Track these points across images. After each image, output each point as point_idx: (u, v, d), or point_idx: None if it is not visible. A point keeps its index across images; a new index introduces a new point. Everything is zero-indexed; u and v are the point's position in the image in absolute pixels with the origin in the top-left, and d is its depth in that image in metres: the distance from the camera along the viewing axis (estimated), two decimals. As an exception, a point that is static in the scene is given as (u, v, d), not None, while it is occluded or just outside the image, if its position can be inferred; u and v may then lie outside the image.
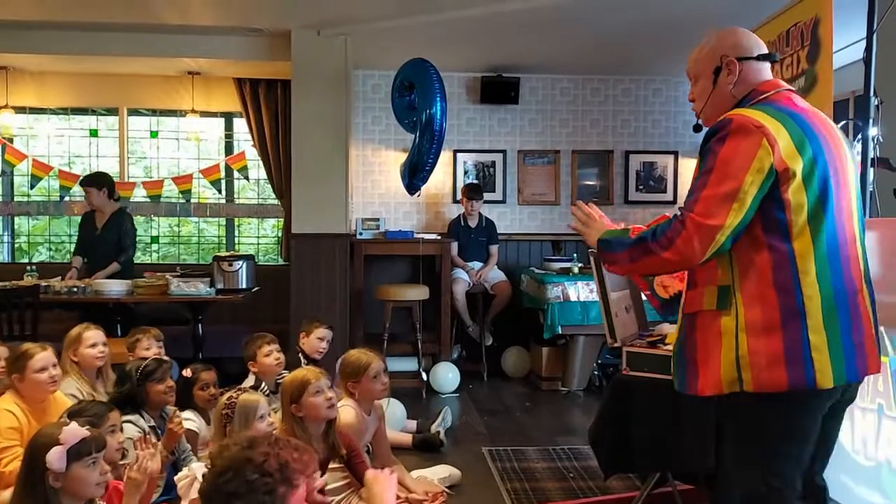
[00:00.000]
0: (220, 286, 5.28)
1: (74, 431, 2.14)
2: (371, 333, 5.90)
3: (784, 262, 1.87)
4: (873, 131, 3.43)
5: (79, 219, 5.94)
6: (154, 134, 7.09)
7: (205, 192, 7.05)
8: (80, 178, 6.04)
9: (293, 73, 5.69)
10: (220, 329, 5.78)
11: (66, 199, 6.82)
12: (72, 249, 6.04)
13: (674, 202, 6.90)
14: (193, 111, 6.72)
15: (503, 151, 6.85)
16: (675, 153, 6.97)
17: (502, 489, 3.61)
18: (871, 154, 3.42)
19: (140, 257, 7.02)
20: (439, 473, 3.60)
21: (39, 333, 4.55)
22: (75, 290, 5.02)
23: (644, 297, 3.34)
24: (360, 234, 6.24)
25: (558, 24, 5.35)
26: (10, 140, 6.83)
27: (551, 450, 4.24)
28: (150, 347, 3.86)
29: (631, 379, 3.00)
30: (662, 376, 2.72)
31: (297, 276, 5.71)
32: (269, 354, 3.94)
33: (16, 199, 7.04)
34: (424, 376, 5.69)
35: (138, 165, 7.22)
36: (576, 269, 5.80)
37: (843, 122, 4.07)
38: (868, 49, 3.40)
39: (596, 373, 5.85)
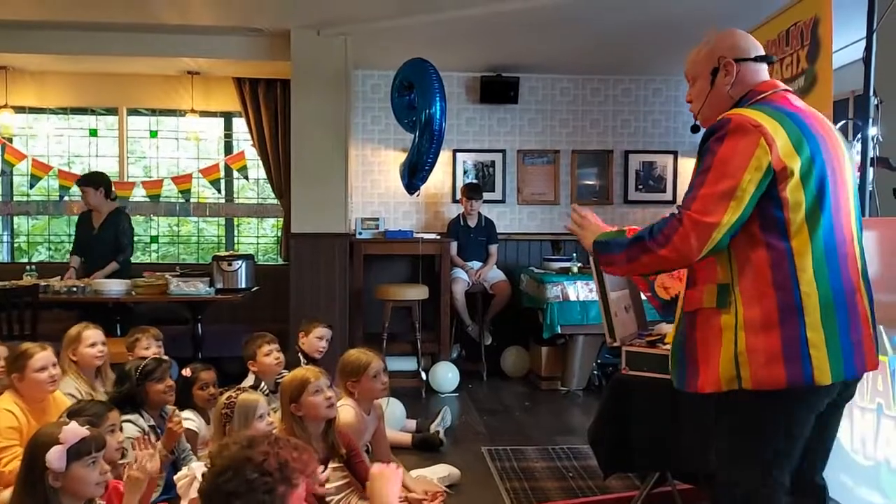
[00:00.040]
0: (219, 286, 5.28)
1: (74, 431, 2.13)
2: (370, 333, 5.90)
3: (782, 259, 1.88)
4: (873, 131, 3.44)
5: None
6: (153, 134, 7.08)
7: (204, 191, 7.05)
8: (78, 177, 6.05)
9: (293, 72, 5.69)
10: (219, 329, 5.77)
11: (66, 198, 6.82)
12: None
13: (673, 202, 6.90)
14: (193, 111, 6.72)
15: (503, 151, 6.85)
16: (675, 153, 6.97)
17: (502, 488, 3.61)
18: (870, 153, 3.42)
19: (139, 257, 7.02)
20: (439, 473, 3.60)
21: (39, 333, 4.55)
22: (75, 289, 5.02)
23: (644, 298, 3.35)
24: (360, 233, 6.24)
25: (558, 24, 5.35)
26: (10, 140, 6.83)
27: (551, 449, 4.25)
28: (149, 347, 3.86)
29: (630, 378, 3.00)
30: (662, 376, 2.72)
31: (297, 276, 5.71)
32: (270, 354, 3.94)
33: (15, 198, 7.04)
34: (424, 376, 5.70)
35: (138, 165, 7.22)
36: (575, 269, 5.80)
37: (842, 122, 4.09)
38: (868, 49, 3.41)
39: (595, 372, 5.85)
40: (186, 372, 3.47)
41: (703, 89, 2.11)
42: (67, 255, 5.92)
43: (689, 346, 2.02)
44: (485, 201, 6.50)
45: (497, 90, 6.66)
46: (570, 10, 5.01)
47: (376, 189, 6.74)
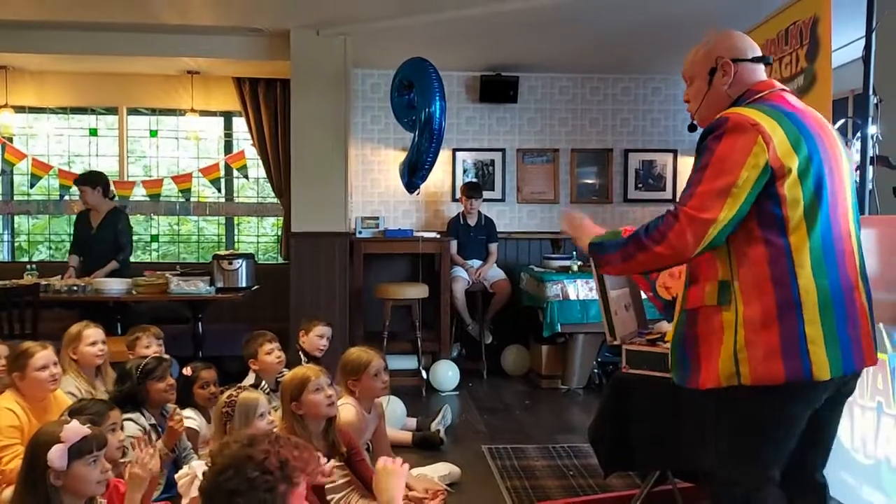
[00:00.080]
0: (219, 285, 5.29)
1: (76, 429, 2.14)
2: (371, 332, 5.90)
3: (780, 255, 1.89)
4: (872, 129, 3.44)
5: (79, 218, 5.94)
6: (153, 133, 7.09)
7: (204, 191, 7.06)
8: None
9: (292, 72, 5.69)
10: (219, 327, 5.78)
11: (66, 198, 6.82)
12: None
13: (673, 200, 6.83)
14: (193, 110, 6.72)
15: (502, 150, 6.85)
16: (675, 151, 6.97)
17: (502, 487, 3.62)
18: (870, 152, 3.43)
19: (140, 256, 7.04)
20: (439, 471, 3.60)
21: (39, 332, 4.56)
22: (75, 288, 5.03)
23: (645, 297, 3.35)
24: (360, 232, 6.24)
25: (557, 24, 5.35)
26: (10, 139, 6.83)
27: (551, 448, 4.25)
28: (150, 346, 3.87)
29: (630, 377, 3.01)
30: (662, 374, 2.72)
31: (297, 275, 5.72)
32: (271, 353, 3.95)
33: (16, 198, 7.04)
34: (424, 374, 5.70)
35: (138, 164, 7.23)
36: (575, 268, 5.80)
37: (842, 121, 4.08)
38: (867, 47, 3.41)
39: (595, 371, 5.86)
40: (187, 371, 3.48)
41: (701, 89, 2.12)
42: (67, 255, 5.92)
43: (690, 343, 2.02)
44: (484, 200, 6.50)
45: (497, 89, 6.66)
46: (569, 10, 5.01)
47: (376, 188, 6.75)
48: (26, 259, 7.02)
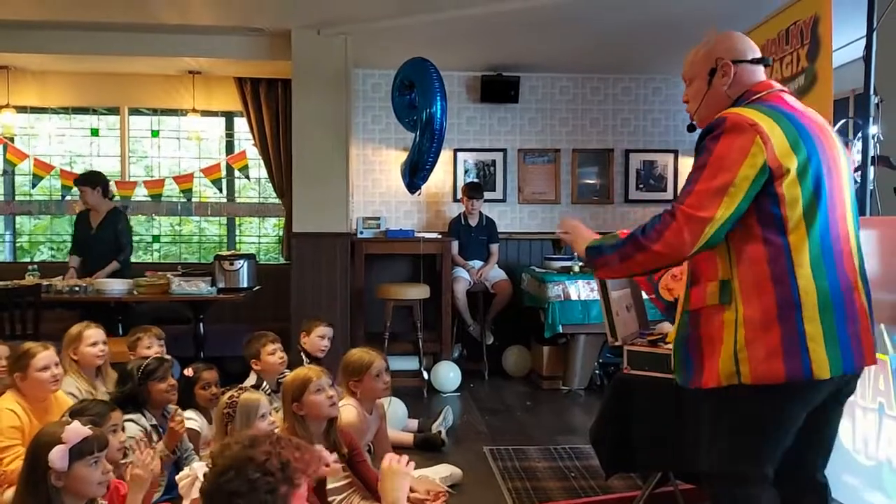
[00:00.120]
0: (221, 285, 5.29)
1: (77, 430, 2.14)
2: (372, 332, 5.90)
3: (779, 254, 1.89)
4: (873, 129, 3.43)
5: (81, 218, 5.95)
6: (155, 133, 7.09)
7: (206, 191, 7.06)
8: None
9: (293, 72, 5.70)
10: (221, 328, 5.79)
11: (68, 198, 6.83)
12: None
13: (674, 201, 6.88)
14: (194, 110, 6.73)
15: (503, 150, 6.85)
16: (675, 152, 6.97)
17: (503, 488, 3.61)
18: (871, 152, 3.42)
19: (141, 256, 7.04)
20: (441, 472, 3.60)
21: (41, 332, 4.56)
22: (77, 289, 5.03)
23: (647, 299, 3.34)
24: (361, 233, 6.24)
25: (558, 24, 5.35)
26: (12, 139, 6.84)
27: (552, 449, 4.25)
28: (151, 346, 3.87)
29: (632, 378, 3.00)
30: (664, 375, 2.72)
31: (298, 275, 5.72)
32: (274, 353, 3.94)
33: (17, 198, 7.05)
34: (425, 375, 5.70)
35: (139, 165, 7.23)
36: (576, 268, 5.79)
37: (843, 121, 4.08)
38: (868, 47, 3.40)
39: (597, 372, 5.85)
40: (188, 371, 3.47)
41: (700, 90, 2.13)
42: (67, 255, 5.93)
43: (693, 344, 2.02)
44: (486, 200, 6.50)
45: (497, 89, 6.66)
46: (570, 10, 5.01)
47: (377, 188, 6.75)
48: (28, 259, 7.02)
